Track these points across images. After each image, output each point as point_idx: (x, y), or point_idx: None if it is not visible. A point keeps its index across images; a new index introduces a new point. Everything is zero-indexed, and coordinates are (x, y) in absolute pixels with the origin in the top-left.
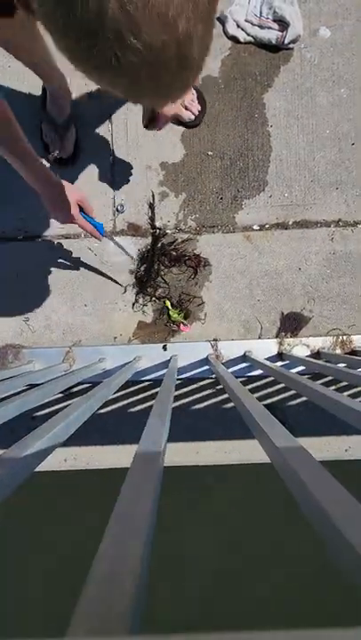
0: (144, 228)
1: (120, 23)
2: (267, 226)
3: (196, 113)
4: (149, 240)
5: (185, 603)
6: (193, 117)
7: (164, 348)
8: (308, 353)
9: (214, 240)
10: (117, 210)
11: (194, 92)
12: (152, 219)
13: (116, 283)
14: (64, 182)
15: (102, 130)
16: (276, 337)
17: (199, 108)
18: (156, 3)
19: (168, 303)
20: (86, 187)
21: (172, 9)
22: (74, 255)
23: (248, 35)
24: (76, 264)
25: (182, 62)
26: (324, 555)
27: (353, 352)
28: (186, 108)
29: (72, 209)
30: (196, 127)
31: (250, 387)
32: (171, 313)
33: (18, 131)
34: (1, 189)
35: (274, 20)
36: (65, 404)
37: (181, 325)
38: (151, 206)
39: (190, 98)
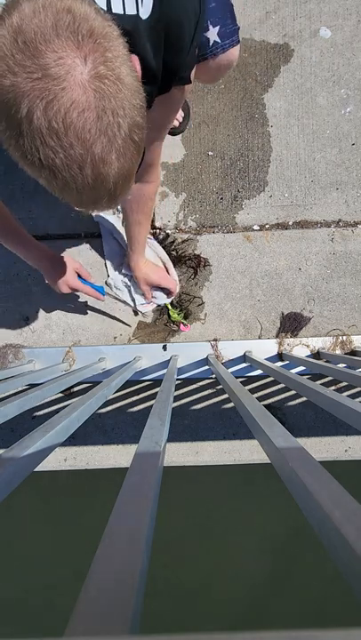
0: None
1: (42, 128)
2: (267, 226)
3: (180, 119)
4: None
5: (184, 602)
6: (176, 124)
7: (164, 348)
8: (308, 353)
9: (214, 240)
10: (118, 210)
11: None
12: (152, 219)
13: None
14: (60, 256)
15: None
16: (276, 337)
17: (182, 114)
18: (76, 123)
19: (168, 303)
20: None
21: (90, 134)
22: (74, 255)
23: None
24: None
25: (98, 179)
26: (324, 554)
27: (353, 352)
28: None
29: (71, 278)
30: (180, 134)
31: (250, 387)
32: (171, 313)
33: (7, 213)
34: (1, 190)
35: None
36: (65, 403)
37: (182, 325)
38: None
39: None
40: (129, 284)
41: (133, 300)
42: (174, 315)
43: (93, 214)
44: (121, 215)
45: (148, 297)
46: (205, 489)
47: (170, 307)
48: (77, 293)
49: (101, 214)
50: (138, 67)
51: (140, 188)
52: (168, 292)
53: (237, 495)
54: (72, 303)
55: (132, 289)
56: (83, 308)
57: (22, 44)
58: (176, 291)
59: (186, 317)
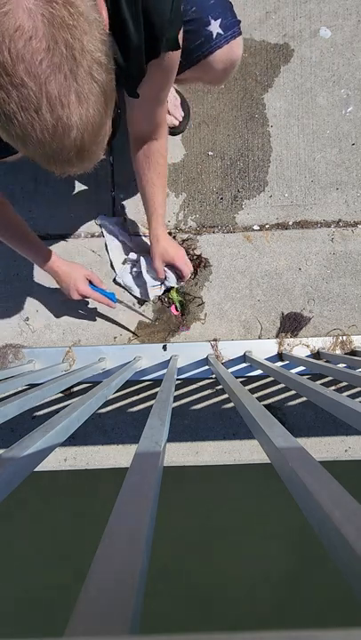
0: (144, 227)
1: None
2: (267, 226)
3: (180, 118)
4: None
5: (183, 602)
6: (176, 123)
7: (164, 348)
8: (308, 353)
9: (214, 240)
10: (118, 208)
11: (177, 96)
12: None
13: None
14: (71, 263)
15: None
16: (276, 337)
17: (182, 113)
18: (23, 53)
19: (175, 289)
20: (86, 186)
21: (41, 69)
22: (74, 255)
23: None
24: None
25: (58, 124)
26: (324, 554)
27: (353, 352)
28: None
29: (81, 285)
30: (180, 134)
31: (250, 387)
32: (172, 292)
33: (19, 220)
34: (1, 190)
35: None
36: (65, 403)
37: (173, 308)
38: None
39: (173, 103)
40: (139, 269)
41: (145, 283)
42: (174, 294)
43: (98, 221)
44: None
45: (159, 274)
46: (205, 489)
47: (175, 290)
48: (87, 300)
49: (104, 218)
50: (103, 11)
51: (148, 145)
52: (179, 277)
53: (238, 495)
54: (80, 308)
55: (143, 271)
56: (85, 312)
57: None
58: (188, 276)
59: (182, 306)
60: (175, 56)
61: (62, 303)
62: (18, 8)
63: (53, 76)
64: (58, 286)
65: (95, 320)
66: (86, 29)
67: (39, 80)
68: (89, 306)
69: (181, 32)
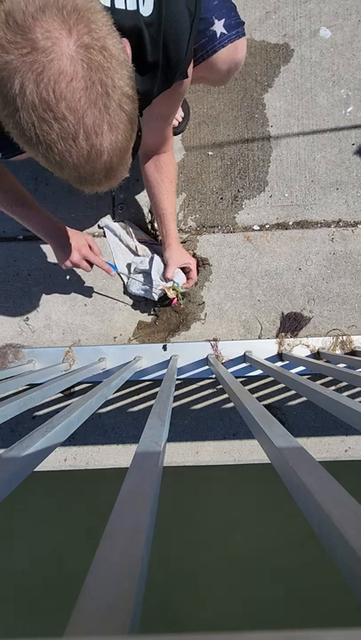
0: (144, 227)
1: (35, 100)
2: (267, 226)
3: (180, 119)
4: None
5: (184, 602)
6: (176, 124)
7: (164, 348)
8: (308, 353)
9: (214, 240)
10: (118, 209)
11: None
12: (152, 220)
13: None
14: (69, 230)
15: None
16: (276, 337)
17: (182, 113)
18: (65, 93)
19: (179, 287)
20: None
21: (80, 104)
22: None
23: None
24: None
25: (92, 151)
26: (324, 555)
27: (353, 352)
28: None
29: (83, 248)
30: (180, 134)
31: (250, 387)
32: (175, 287)
33: (17, 185)
34: None
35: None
36: (65, 403)
37: (175, 300)
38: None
39: None
40: (148, 270)
41: (151, 285)
42: (177, 288)
43: (102, 224)
44: (124, 224)
45: (168, 278)
46: (206, 489)
47: (179, 287)
48: (83, 273)
49: (107, 221)
50: (128, 49)
51: (158, 157)
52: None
53: (237, 495)
54: (78, 286)
55: (152, 270)
56: (82, 307)
57: (13, 24)
58: (190, 284)
59: (183, 296)
60: (184, 83)
61: (63, 303)
62: (61, 56)
63: (90, 110)
64: (56, 289)
65: (89, 315)
66: (117, 69)
67: (78, 114)
68: (90, 287)
69: (191, 65)
